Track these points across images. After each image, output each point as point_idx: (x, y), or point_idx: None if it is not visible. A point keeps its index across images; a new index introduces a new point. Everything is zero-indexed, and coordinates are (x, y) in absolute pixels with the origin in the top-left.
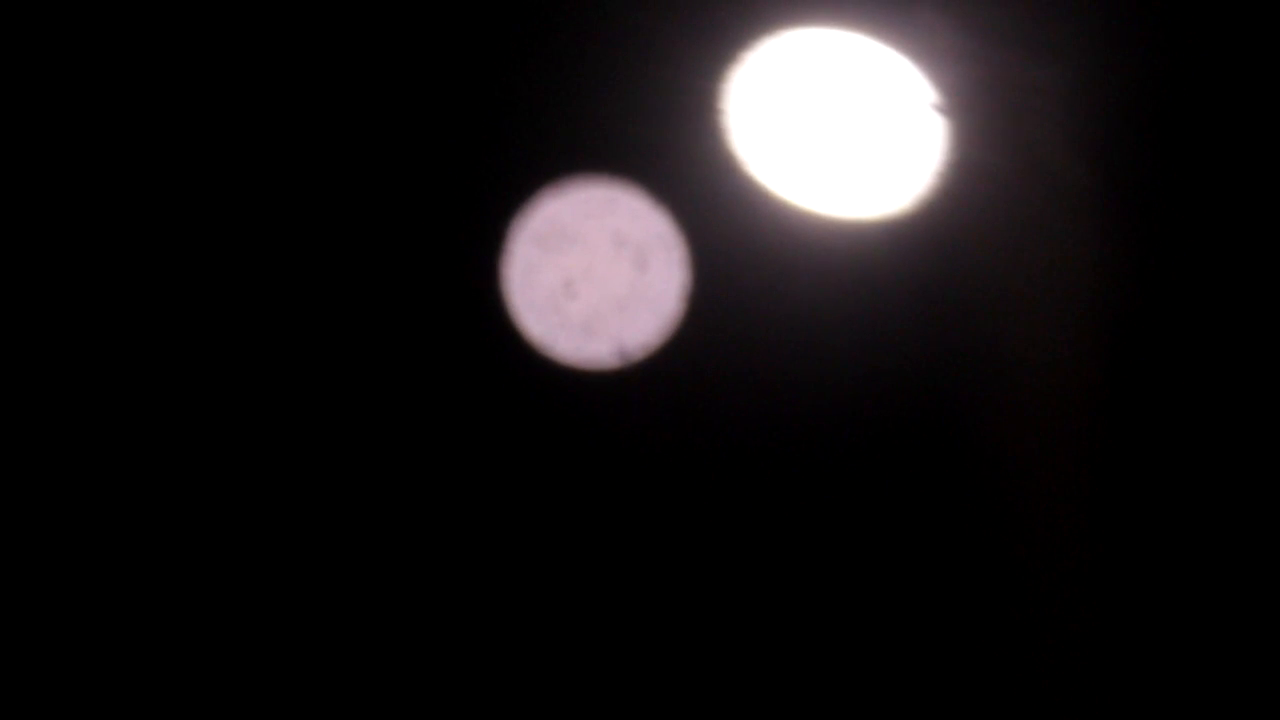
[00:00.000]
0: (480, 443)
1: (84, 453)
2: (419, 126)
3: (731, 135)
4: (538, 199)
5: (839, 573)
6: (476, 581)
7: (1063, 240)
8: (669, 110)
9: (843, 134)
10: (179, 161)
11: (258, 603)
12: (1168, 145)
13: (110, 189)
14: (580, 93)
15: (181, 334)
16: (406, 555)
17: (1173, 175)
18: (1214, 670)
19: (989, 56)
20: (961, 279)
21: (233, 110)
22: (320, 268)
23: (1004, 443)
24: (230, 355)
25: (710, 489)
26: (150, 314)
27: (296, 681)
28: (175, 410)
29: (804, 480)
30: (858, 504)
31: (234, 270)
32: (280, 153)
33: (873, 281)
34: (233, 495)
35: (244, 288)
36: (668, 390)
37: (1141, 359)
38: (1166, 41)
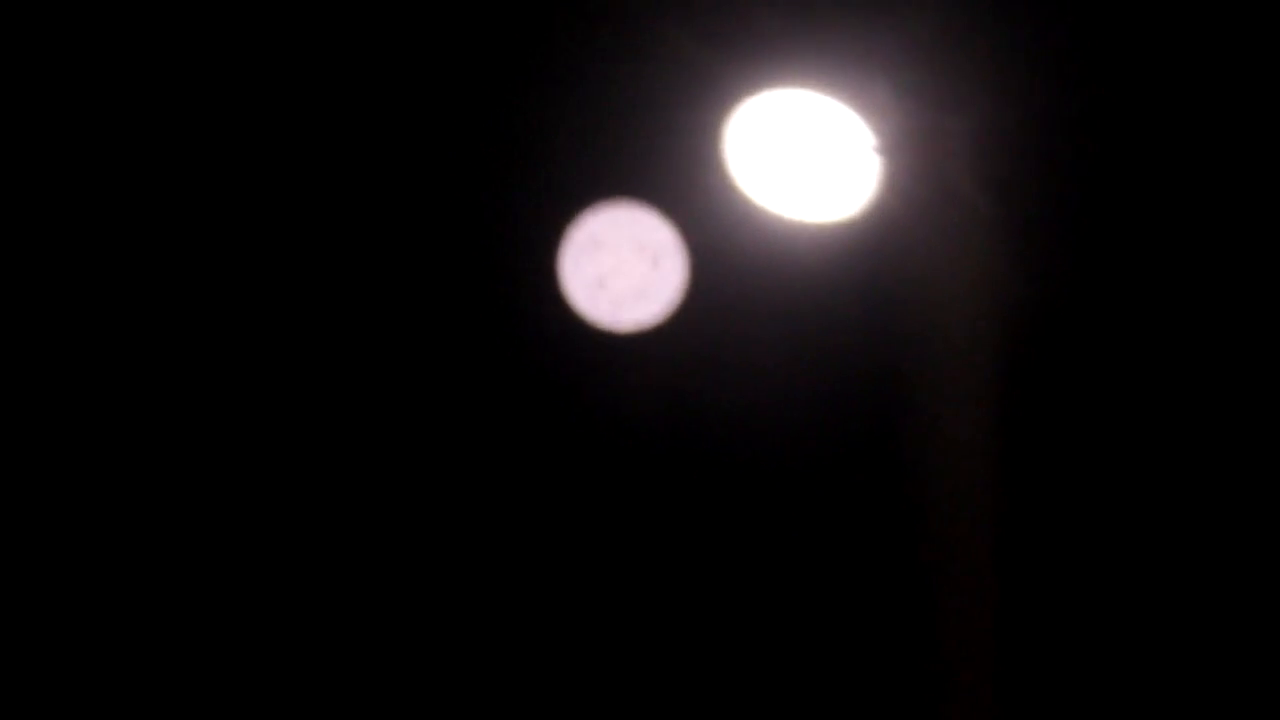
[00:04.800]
0: (540, 380)
1: (123, 452)
2: (505, 170)
3: (722, 171)
4: (582, 216)
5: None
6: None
7: (970, 252)
8: (677, 152)
9: (806, 169)
10: (263, 180)
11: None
12: (1055, 178)
13: (175, 205)
14: (615, 142)
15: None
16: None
17: (1059, 203)
18: (1123, 656)
19: (916, 111)
20: (891, 279)
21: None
22: (433, 270)
23: (925, 412)
24: (345, 339)
25: (696, 431)
26: (242, 304)
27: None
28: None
29: (768, 430)
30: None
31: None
32: (386, 187)
33: (823, 285)
34: (322, 424)
35: (359, 289)
36: (670, 351)
37: (1033, 350)
38: (1055, 96)
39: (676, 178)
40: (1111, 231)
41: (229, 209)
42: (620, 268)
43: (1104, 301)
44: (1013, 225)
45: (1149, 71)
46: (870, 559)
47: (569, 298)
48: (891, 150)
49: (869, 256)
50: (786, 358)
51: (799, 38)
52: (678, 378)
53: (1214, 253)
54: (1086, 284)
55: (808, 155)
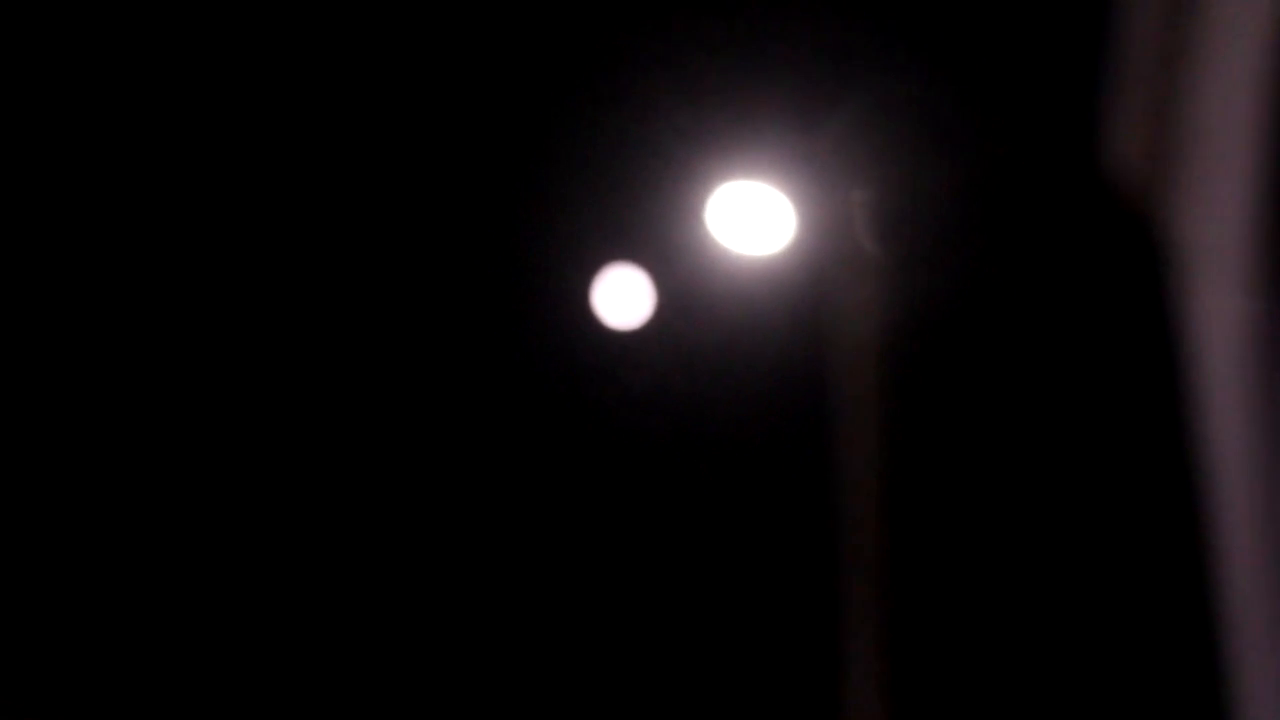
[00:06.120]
0: (568, 367)
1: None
2: (550, 233)
3: (694, 225)
4: (598, 263)
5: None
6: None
7: (867, 282)
8: (662, 215)
9: (755, 224)
10: (353, 213)
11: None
12: (928, 232)
13: (232, 222)
14: (621, 211)
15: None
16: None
17: (931, 250)
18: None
19: (833, 186)
20: (811, 302)
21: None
22: (503, 301)
23: (833, 395)
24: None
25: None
26: (311, 312)
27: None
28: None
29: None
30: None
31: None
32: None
33: (762, 310)
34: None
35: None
36: (655, 348)
37: (909, 351)
38: (928, 176)
39: (662, 232)
40: (967, 272)
41: (321, 246)
42: (619, 295)
43: (962, 321)
44: (897, 265)
45: (992, 159)
46: (788, 511)
47: (592, 314)
48: (816, 211)
49: (797, 286)
50: (734, 351)
51: (752, 136)
52: (660, 366)
53: (1054, 277)
54: (950, 308)
55: (757, 216)
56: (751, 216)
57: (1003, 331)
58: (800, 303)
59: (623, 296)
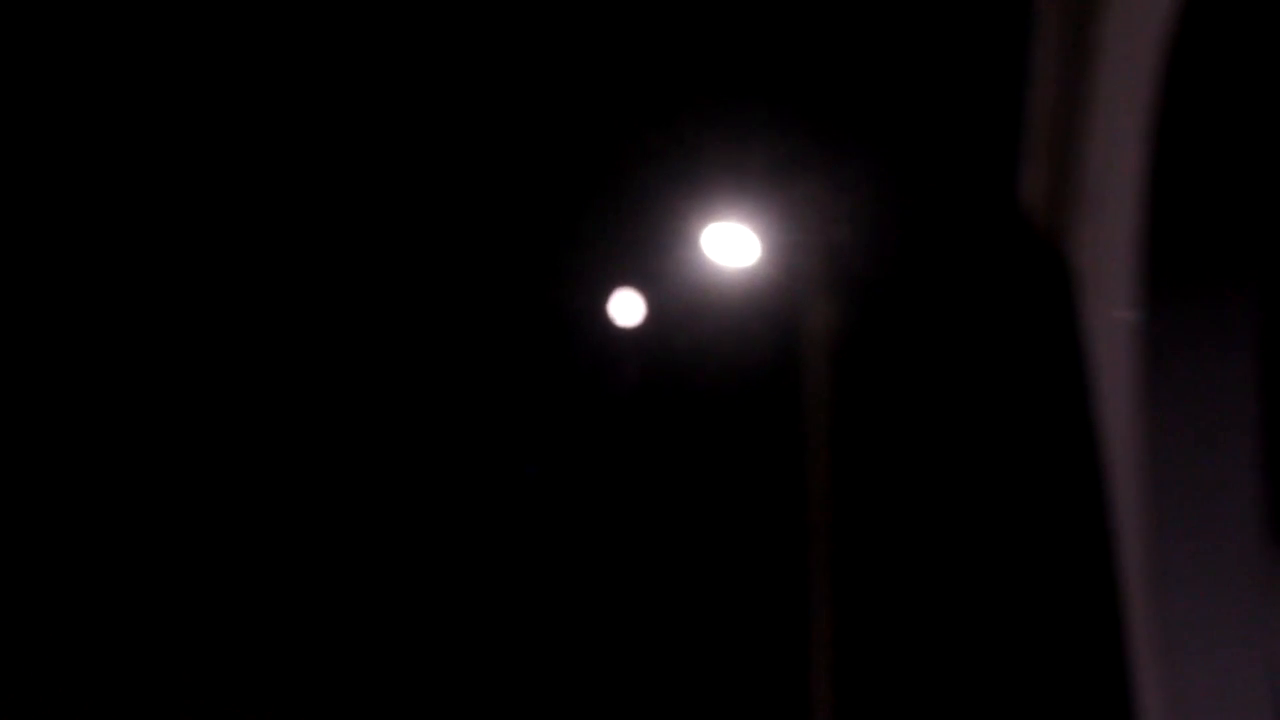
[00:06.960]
0: (589, 357)
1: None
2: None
3: (678, 273)
4: (615, 287)
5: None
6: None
7: (824, 290)
8: (659, 242)
9: (738, 255)
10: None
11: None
12: (870, 259)
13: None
14: (627, 242)
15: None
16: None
17: (874, 269)
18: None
19: (800, 221)
20: (785, 310)
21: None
22: (540, 311)
23: (797, 372)
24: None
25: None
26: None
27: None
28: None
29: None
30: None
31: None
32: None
33: (743, 316)
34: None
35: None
36: (654, 342)
37: (852, 341)
38: (868, 222)
39: (659, 256)
40: (916, 286)
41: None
42: (625, 305)
43: (912, 323)
44: (846, 278)
45: (938, 202)
46: (756, 472)
47: (606, 319)
48: (786, 236)
49: (770, 295)
50: (718, 345)
51: (739, 187)
52: (658, 356)
53: (984, 290)
54: (902, 313)
55: (740, 245)
56: (735, 245)
57: (943, 333)
58: (773, 309)
59: (639, 301)
